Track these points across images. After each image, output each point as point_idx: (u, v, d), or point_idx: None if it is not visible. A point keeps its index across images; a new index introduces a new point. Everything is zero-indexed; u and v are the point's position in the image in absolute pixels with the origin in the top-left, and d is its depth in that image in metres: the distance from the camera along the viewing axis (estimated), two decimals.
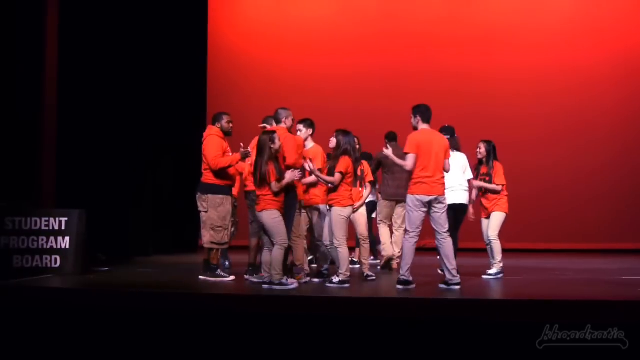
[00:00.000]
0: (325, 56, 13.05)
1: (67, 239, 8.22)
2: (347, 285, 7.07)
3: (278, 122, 7.55)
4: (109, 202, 10.39)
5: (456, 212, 8.13)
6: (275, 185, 6.89)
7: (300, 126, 7.83)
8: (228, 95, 12.69)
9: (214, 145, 7.70)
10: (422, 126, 7.15)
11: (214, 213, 7.73)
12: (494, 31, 12.73)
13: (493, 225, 8.00)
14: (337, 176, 7.16)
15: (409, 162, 7.00)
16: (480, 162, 8.19)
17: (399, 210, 8.94)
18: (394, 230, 9.09)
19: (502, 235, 8.04)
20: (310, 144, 7.84)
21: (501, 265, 7.94)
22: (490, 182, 8.04)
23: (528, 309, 6.03)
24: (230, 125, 7.98)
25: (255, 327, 5.97)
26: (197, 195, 7.90)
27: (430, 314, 6.05)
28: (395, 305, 6.35)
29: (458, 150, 8.41)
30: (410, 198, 7.01)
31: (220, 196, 7.75)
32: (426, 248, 8.88)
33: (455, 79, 12.51)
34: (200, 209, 7.85)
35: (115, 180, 10.60)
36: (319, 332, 5.84)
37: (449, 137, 7.93)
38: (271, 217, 6.93)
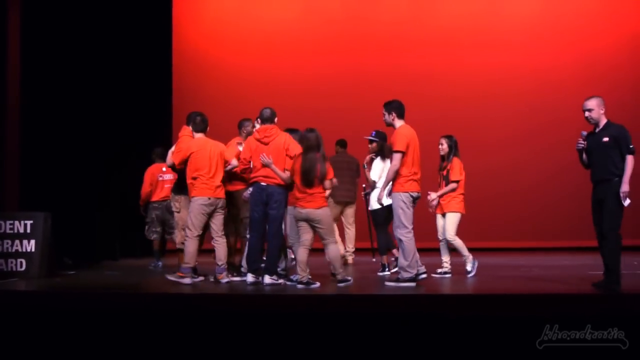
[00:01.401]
0: (290, 57, 13.05)
1: (32, 242, 8.14)
2: (316, 285, 7.01)
3: (272, 121, 7.41)
4: (74, 205, 10.28)
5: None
6: (329, 183, 7.00)
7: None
8: (193, 96, 12.63)
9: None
10: (399, 122, 7.13)
11: (185, 214, 7.69)
12: (459, 33, 12.82)
13: (449, 226, 7.95)
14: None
15: (397, 162, 6.96)
16: (442, 159, 8.15)
17: (349, 210, 9.67)
18: (345, 228, 9.73)
19: (471, 234, 8.10)
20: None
21: (471, 256, 7.95)
22: (447, 177, 8.01)
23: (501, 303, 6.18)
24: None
25: (225, 325, 5.95)
26: (171, 195, 7.93)
27: (428, 309, 6.07)
28: (385, 301, 6.38)
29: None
30: (404, 196, 6.96)
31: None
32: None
33: (420, 80, 12.58)
34: (173, 209, 7.88)
35: (81, 183, 10.50)
36: (295, 331, 5.83)
37: (381, 142, 8.23)
38: (327, 213, 7.02)
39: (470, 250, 8.06)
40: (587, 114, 6.64)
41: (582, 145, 6.72)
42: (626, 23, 12.75)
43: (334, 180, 7.07)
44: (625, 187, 6.40)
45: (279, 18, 13.26)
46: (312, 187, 6.92)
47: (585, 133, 6.74)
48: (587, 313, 5.61)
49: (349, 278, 7.14)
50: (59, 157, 10.30)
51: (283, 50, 13.13)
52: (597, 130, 6.63)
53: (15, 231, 8.15)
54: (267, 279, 7.11)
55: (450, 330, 5.70)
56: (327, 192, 7.30)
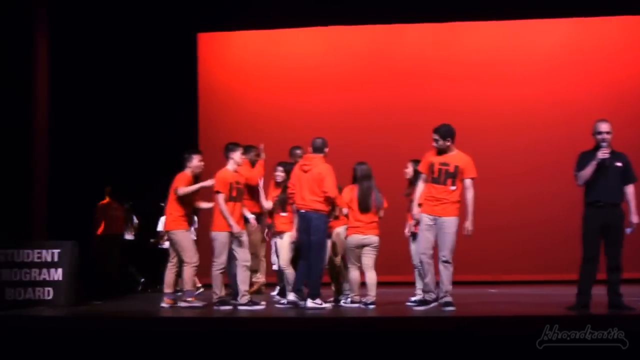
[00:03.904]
0: (314, 93, 13.08)
1: (59, 270, 8.21)
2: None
3: (320, 151, 7.73)
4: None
5: None
6: (382, 212, 7.66)
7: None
8: (219, 132, 12.69)
9: None
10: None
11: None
12: (482, 66, 12.82)
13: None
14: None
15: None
16: (409, 183, 8.03)
17: None
18: None
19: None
20: None
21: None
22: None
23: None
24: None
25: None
26: None
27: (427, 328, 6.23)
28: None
29: None
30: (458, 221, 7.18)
31: None
32: None
33: (443, 113, 12.33)
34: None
35: None
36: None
37: None
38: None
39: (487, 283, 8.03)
40: (607, 136, 6.68)
41: (608, 155, 6.66)
42: None
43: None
44: (637, 218, 6.54)
45: (303, 54, 13.31)
46: (368, 213, 7.44)
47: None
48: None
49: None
50: (86, 185, 10.44)
51: (307, 86, 13.16)
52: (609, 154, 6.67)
53: (43, 260, 8.23)
54: (310, 303, 7.34)
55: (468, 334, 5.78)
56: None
